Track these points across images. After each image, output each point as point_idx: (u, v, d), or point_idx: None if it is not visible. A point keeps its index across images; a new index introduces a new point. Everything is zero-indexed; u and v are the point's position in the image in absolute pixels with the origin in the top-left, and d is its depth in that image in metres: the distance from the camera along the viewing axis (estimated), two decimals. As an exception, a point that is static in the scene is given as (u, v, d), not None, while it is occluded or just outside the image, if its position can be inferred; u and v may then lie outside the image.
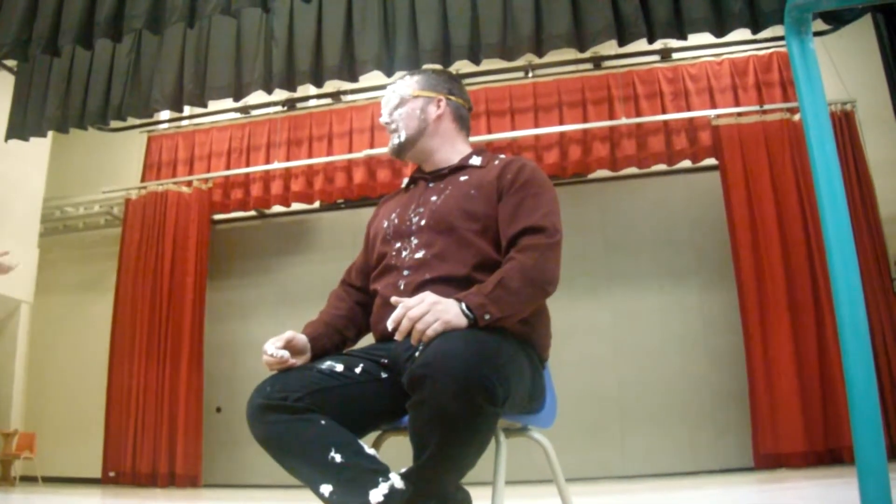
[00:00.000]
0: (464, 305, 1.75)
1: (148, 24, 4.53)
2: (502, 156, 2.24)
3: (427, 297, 1.75)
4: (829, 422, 5.58)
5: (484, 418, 1.63)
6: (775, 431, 5.67)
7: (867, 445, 1.34)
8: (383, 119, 2.31)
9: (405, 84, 2.32)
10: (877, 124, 6.21)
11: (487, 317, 1.76)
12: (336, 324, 2.18)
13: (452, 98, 2.31)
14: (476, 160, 2.23)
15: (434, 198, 2.15)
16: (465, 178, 2.17)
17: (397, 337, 1.74)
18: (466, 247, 2.02)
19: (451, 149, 2.28)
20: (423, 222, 2.11)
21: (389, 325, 1.75)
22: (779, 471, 5.52)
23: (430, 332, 1.69)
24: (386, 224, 2.21)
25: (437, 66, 4.94)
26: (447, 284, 1.97)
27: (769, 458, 5.67)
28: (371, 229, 2.33)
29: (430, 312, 1.71)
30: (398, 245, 2.13)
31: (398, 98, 2.28)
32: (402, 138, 2.24)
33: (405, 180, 2.38)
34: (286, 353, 1.97)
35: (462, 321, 1.73)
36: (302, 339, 2.06)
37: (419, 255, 2.06)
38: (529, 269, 1.88)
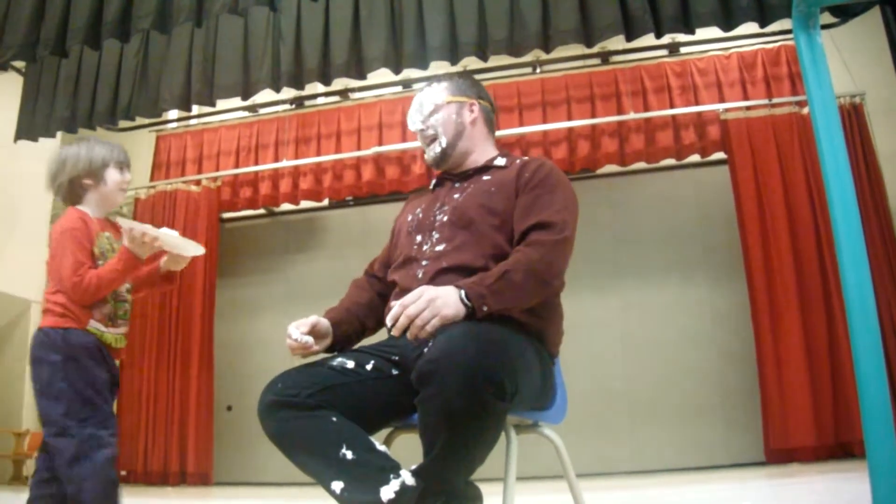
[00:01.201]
0: (463, 293, 1.76)
1: (155, 25, 4.54)
2: (525, 158, 2.27)
3: (425, 293, 1.76)
4: (839, 416, 5.56)
5: (492, 413, 1.64)
6: (786, 426, 5.65)
7: (878, 439, 1.34)
8: (416, 126, 2.34)
9: (436, 91, 2.36)
10: (886, 117, 6.19)
11: (485, 308, 1.77)
12: (357, 312, 2.21)
13: (482, 101, 2.36)
14: (500, 161, 2.28)
15: (457, 196, 2.19)
16: (488, 177, 2.21)
17: (394, 332, 1.76)
18: (484, 240, 2.05)
19: (482, 152, 2.33)
20: (445, 219, 2.14)
21: (388, 321, 1.76)
22: (790, 465, 5.51)
23: (428, 328, 1.70)
24: (410, 218, 2.26)
25: (449, 68, 4.96)
26: (463, 273, 1.98)
27: (780, 452, 5.66)
28: (396, 224, 2.39)
29: (427, 309, 1.72)
30: (419, 238, 2.16)
31: (433, 105, 2.32)
32: (444, 144, 2.29)
33: (433, 182, 2.41)
34: (310, 339, 1.99)
35: (461, 311, 1.74)
36: (325, 323, 2.09)
37: (439, 248, 2.09)
38: (534, 263, 1.89)
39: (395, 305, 1.77)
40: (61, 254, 2.36)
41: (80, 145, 2.54)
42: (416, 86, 6.87)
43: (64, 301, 2.36)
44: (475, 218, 2.09)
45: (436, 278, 2.02)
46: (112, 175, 2.56)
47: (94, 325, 2.32)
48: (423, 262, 2.09)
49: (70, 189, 2.54)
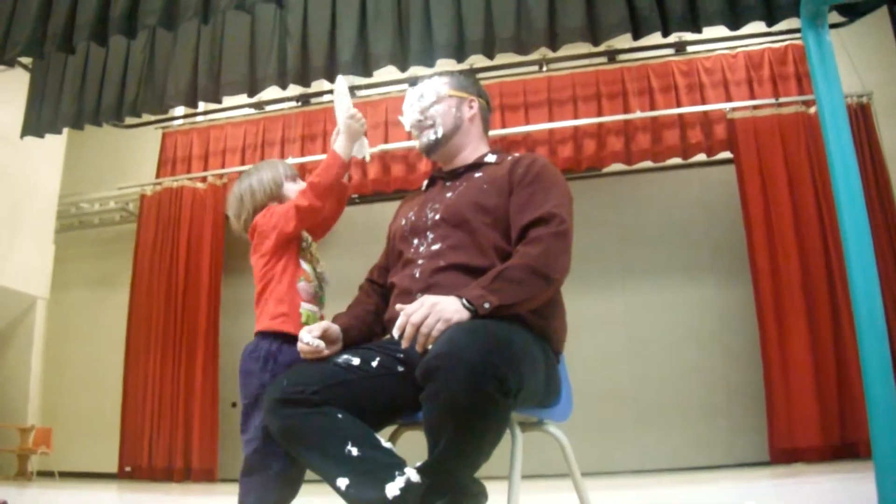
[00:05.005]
0: (464, 300, 1.76)
1: (162, 21, 4.53)
2: (517, 154, 2.26)
3: (426, 300, 1.76)
4: (844, 416, 5.55)
5: (496, 409, 1.63)
6: (791, 426, 5.65)
7: (884, 439, 1.34)
8: (414, 116, 2.32)
9: (437, 83, 2.36)
10: (893, 116, 6.17)
11: (487, 305, 1.77)
12: (366, 318, 2.21)
13: (480, 100, 2.36)
14: (491, 158, 2.27)
15: (449, 195, 2.19)
16: (480, 174, 2.21)
17: (404, 344, 1.75)
18: (479, 238, 2.04)
19: (474, 149, 2.32)
20: (437, 217, 2.13)
21: (395, 333, 1.76)
22: (795, 465, 5.50)
23: (434, 334, 1.70)
24: (404, 222, 2.25)
25: (455, 66, 4.95)
26: (461, 271, 1.98)
27: (785, 452, 5.65)
28: (391, 230, 2.37)
29: (430, 315, 1.72)
30: (415, 241, 2.16)
31: (434, 95, 2.32)
32: (439, 135, 2.28)
33: (424, 182, 2.41)
34: (321, 344, 1.99)
35: (464, 314, 1.74)
36: (336, 329, 2.08)
37: (435, 247, 2.08)
38: (533, 260, 1.89)
39: (400, 316, 1.77)
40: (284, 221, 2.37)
41: (249, 177, 2.52)
42: (421, 83, 6.87)
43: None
44: (468, 216, 2.08)
45: (433, 276, 2.01)
46: (290, 188, 2.53)
47: (306, 307, 2.32)
48: (420, 262, 2.09)
49: None
